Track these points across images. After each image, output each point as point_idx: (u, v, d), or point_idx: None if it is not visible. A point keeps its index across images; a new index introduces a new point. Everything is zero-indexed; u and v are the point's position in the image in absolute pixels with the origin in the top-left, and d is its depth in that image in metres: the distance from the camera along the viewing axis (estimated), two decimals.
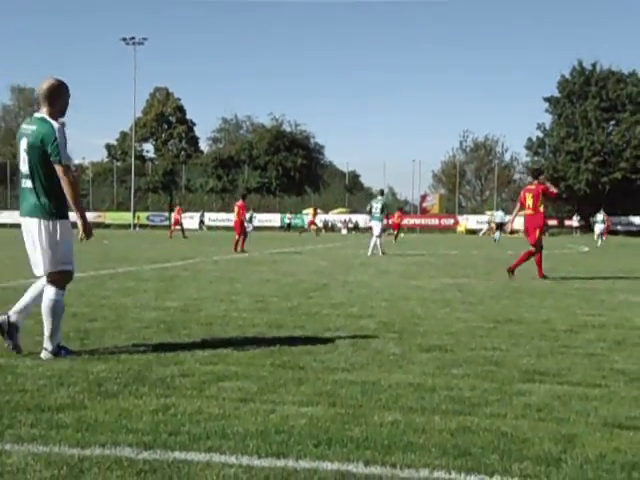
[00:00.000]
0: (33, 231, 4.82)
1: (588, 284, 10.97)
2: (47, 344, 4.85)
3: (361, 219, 60.85)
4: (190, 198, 67.02)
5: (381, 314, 7.27)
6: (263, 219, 59.10)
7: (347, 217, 59.16)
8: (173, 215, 26.08)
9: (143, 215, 63.05)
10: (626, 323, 6.77)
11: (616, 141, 54.72)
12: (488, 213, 36.27)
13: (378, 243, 19.29)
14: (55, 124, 4.83)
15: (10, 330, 4.86)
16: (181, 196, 66.10)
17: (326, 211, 62.73)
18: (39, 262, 4.85)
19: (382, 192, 21.53)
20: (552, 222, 56.06)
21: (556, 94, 60.21)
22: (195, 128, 79.95)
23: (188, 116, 79.11)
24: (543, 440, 3.19)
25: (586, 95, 57.42)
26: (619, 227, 52.23)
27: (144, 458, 2.91)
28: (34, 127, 4.84)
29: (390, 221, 29.74)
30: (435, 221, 60.70)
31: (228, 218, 62.25)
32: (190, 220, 60.08)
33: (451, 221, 59.92)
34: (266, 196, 67.29)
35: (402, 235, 35.38)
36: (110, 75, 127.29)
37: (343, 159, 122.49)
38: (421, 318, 7.01)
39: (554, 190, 12.64)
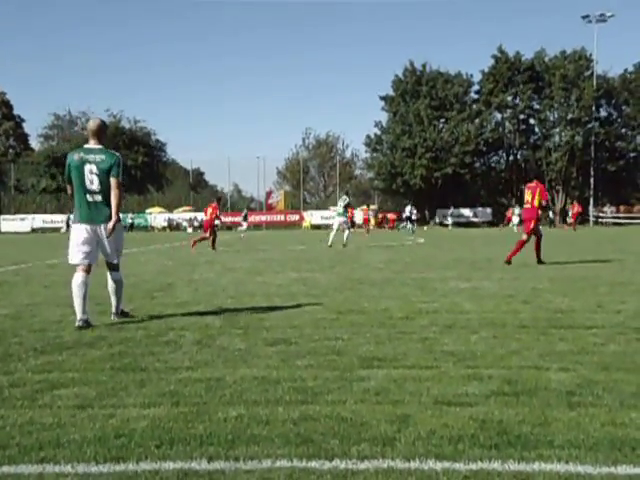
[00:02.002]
0: (104, 232, 6.49)
1: (423, 273, 11.61)
2: (118, 309, 6.92)
3: None
4: (21, 199, 62.81)
5: (227, 310, 7.25)
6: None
7: (192, 215, 58.27)
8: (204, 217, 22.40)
9: None
10: (456, 308, 7.25)
11: (446, 138, 58.22)
12: (408, 209, 38.09)
13: (345, 235, 21.71)
14: (117, 153, 6.59)
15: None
16: (10, 197, 61.76)
17: (170, 210, 61.44)
18: (106, 254, 6.68)
19: (347, 192, 24.57)
20: (392, 216, 58.88)
21: (391, 93, 63.01)
22: (24, 124, 75.04)
23: (16, 112, 74.07)
24: (380, 422, 3.35)
25: (418, 94, 60.56)
26: (450, 219, 55.73)
27: None
28: (102, 157, 6.40)
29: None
30: (281, 217, 61.39)
31: (64, 219, 59.30)
32: (21, 223, 56.47)
33: (296, 217, 60.90)
34: None
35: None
36: None
37: (186, 156, 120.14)
38: (266, 313, 7.08)
39: (546, 194, 14.00)
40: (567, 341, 5.31)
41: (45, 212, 58.98)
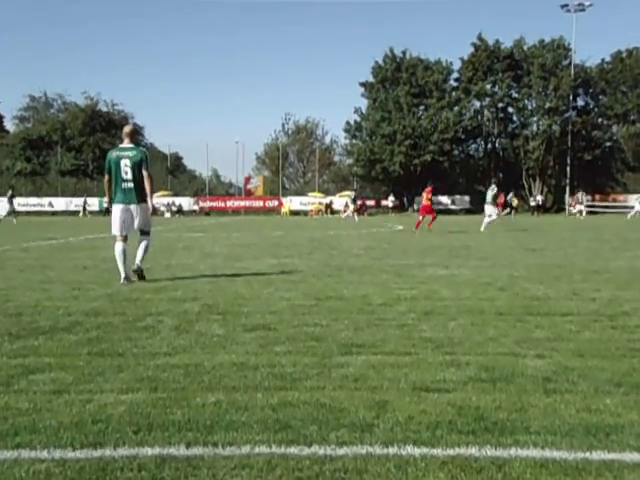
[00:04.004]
0: (139, 210, 8.55)
1: (401, 260, 11.66)
2: (140, 264, 8.61)
3: (185, 202, 59.93)
4: None
5: (205, 296, 7.22)
6: (79, 203, 56.13)
7: (170, 200, 57.87)
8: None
9: None
10: (434, 295, 7.29)
11: (425, 125, 58.34)
12: (390, 198, 38.49)
13: (488, 220, 23.36)
14: (144, 149, 8.84)
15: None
16: None
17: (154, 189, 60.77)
18: (139, 225, 8.64)
19: (495, 182, 25.07)
20: (370, 202, 58.98)
21: (371, 79, 62.89)
22: None
23: None
24: (358, 408, 3.37)
25: (398, 81, 60.52)
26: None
27: None
28: (133, 153, 8.46)
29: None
30: (260, 203, 61.21)
31: (40, 203, 58.54)
32: None
33: (275, 203, 60.76)
34: (83, 179, 63.87)
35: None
36: None
37: (164, 141, 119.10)
38: (245, 299, 7.06)
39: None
40: (543, 328, 5.37)
41: (21, 195, 58.13)
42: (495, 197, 23.96)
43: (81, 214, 51.18)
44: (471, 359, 4.33)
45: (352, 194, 24.09)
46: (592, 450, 2.81)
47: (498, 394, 3.57)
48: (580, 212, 45.17)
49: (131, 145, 8.58)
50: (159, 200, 58.96)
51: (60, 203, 59.10)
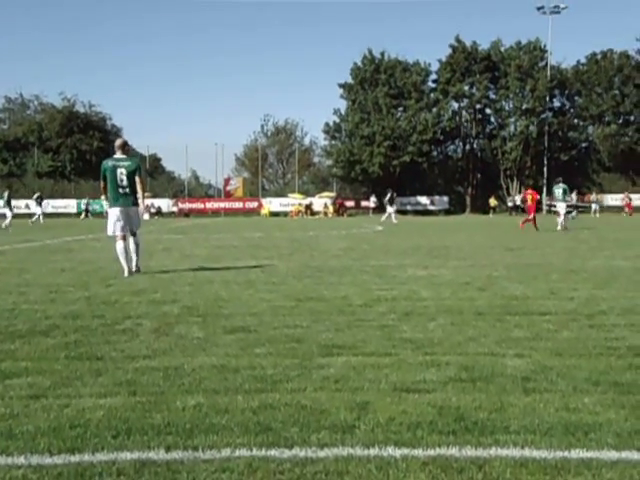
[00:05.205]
0: (130, 213, 9.65)
1: (381, 261, 11.69)
2: (138, 265, 9.84)
3: (164, 203, 59.58)
4: None
5: (185, 298, 7.18)
6: (57, 205, 55.54)
7: (149, 202, 57.44)
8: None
9: None
10: (414, 295, 7.31)
11: (404, 126, 58.55)
12: (372, 199, 38.11)
13: (562, 219, 24.29)
14: (137, 159, 10.52)
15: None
16: None
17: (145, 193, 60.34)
18: (130, 227, 9.67)
19: (562, 181, 25.21)
20: (350, 203, 59.06)
21: (350, 81, 62.99)
22: None
23: None
24: (339, 409, 3.36)
25: (377, 82, 60.69)
26: (408, 207, 56.27)
27: None
28: (128, 162, 9.68)
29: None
30: (239, 204, 61.00)
31: (16, 205, 57.72)
32: None
33: (255, 204, 60.62)
34: (60, 181, 63.21)
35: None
36: None
37: (143, 142, 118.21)
38: (225, 300, 7.04)
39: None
40: (522, 328, 5.41)
41: None
42: (565, 193, 24.75)
43: (82, 216, 50.37)
44: (451, 359, 4.35)
45: (559, 188, 25.00)
46: (571, 449, 2.83)
47: (478, 394, 3.59)
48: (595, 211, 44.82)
49: (125, 156, 9.82)
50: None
51: (32, 205, 58.31)
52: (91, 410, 3.37)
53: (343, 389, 3.72)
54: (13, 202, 34.19)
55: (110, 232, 9.69)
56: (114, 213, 9.61)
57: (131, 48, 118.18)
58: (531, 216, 24.77)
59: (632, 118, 59.36)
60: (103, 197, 9.93)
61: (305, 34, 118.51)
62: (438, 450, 2.84)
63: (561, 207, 24.67)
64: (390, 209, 35.98)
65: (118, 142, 10.10)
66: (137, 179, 9.63)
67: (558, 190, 24.77)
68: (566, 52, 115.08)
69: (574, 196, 42.00)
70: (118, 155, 9.75)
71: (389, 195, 36.53)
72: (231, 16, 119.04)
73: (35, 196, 36.89)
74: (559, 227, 23.95)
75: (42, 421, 3.21)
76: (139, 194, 9.72)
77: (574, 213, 39.28)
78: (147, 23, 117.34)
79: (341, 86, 63.27)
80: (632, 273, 9.32)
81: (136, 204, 9.75)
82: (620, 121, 59.35)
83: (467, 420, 3.18)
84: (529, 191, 25.35)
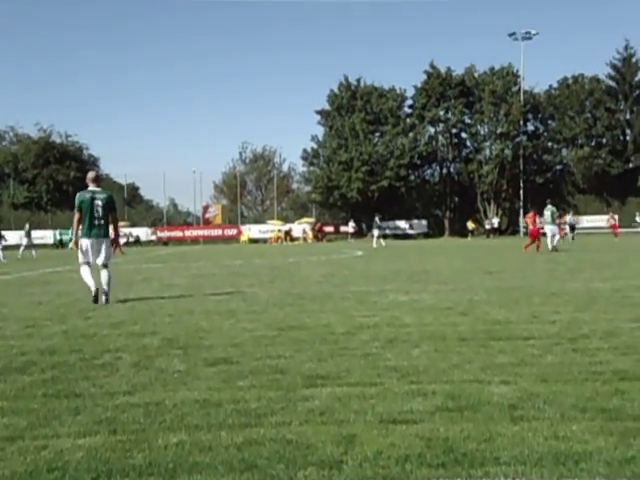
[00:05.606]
0: (102, 244, 10.02)
1: (362, 287, 11.65)
2: (108, 297, 9.84)
3: (142, 232, 59.20)
4: None
5: (165, 330, 7.07)
6: (34, 236, 54.83)
7: (128, 231, 57.06)
8: None
9: None
10: (396, 322, 7.27)
11: (381, 152, 59.06)
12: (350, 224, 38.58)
13: (556, 239, 25.09)
14: (110, 192, 10.68)
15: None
16: None
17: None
18: (101, 259, 10.01)
19: (551, 203, 26.15)
20: (329, 229, 59.17)
21: (327, 107, 63.50)
22: None
23: None
24: (326, 443, 3.29)
25: (353, 108, 61.29)
26: (387, 231, 56.47)
27: None
28: (104, 195, 10.04)
29: None
30: (218, 232, 60.87)
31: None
32: None
33: (234, 231, 60.48)
34: (36, 212, 62.62)
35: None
36: None
37: (120, 171, 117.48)
38: (206, 331, 6.93)
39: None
40: (506, 353, 5.38)
41: None
42: (553, 215, 25.22)
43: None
44: (437, 388, 4.30)
45: (548, 211, 25.51)
46: (562, 479, 2.79)
47: (466, 424, 3.54)
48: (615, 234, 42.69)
49: (100, 189, 10.17)
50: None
51: (13, 236, 57.67)
52: (70, 451, 3.27)
53: (329, 422, 3.65)
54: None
55: (83, 259, 10.05)
56: (85, 243, 9.96)
57: (107, 77, 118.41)
58: (532, 239, 25.22)
59: (604, 141, 60.43)
60: (75, 228, 9.91)
61: (282, 61, 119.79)
62: None
63: (550, 229, 25.04)
64: (376, 233, 36.74)
65: (91, 175, 10.26)
66: (113, 214, 10.21)
67: (547, 212, 25.21)
68: (538, 77, 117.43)
69: (571, 217, 42.30)
70: (92, 187, 10.06)
71: (376, 220, 37.45)
72: (208, 43, 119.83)
73: (26, 228, 36.37)
74: (550, 247, 24.37)
75: (18, 465, 3.09)
76: (111, 227, 10.27)
77: (572, 234, 39.60)
78: (124, 52, 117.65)
79: (318, 113, 63.79)
80: (610, 295, 9.37)
81: (107, 236, 10.16)
82: (593, 144, 60.37)
83: (456, 452, 3.12)
84: (530, 215, 25.90)
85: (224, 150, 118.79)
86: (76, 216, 9.89)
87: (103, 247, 10.04)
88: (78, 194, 10.04)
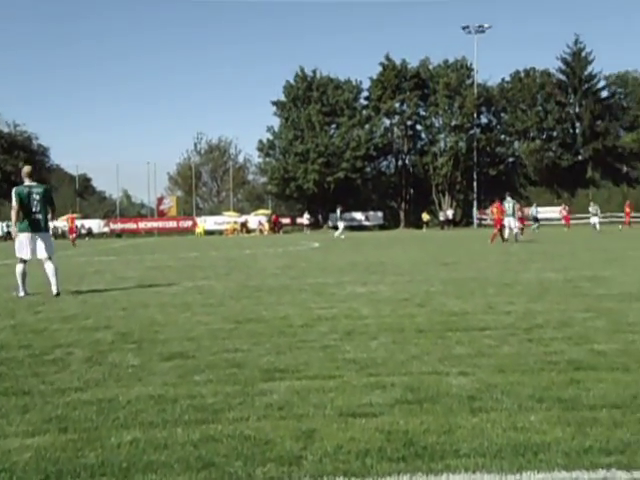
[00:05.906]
0: (44, 238, 10.03)
1: (320, 278, 11.62)
2: (58, 289, 9.87)
3: (95, 224, 58.10)
4: None
5: (118, 324, 6.91)
6: None
7: (79, 223, 55.88)
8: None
9: None
10: (354, 314, 7.25)
11: (337, 143, 59.15)
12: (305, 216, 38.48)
13: (515, 233, 25.54)
14: (48, 186, 10.89)
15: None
16: None
17: (56, 217, 58.66)
18: (44, 251, 9.97)
19: (510, 196, 26.26)
20: (285, 220, 59.02)
21: (283, 98, 63.23)
22: None
23: None
24: (284, 439, 3.23)
25: (309, 100, 61.20)
26: (343, 222, 56.58)
27: None
28: (41, 189, 10.00)
29: None
30: (173, 224, 60.16)
31: None
32: None
33: (189, 223, 59.84)
34: None
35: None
36: None
37: (72, 162, 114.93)
38: (161, 325, 6.80)
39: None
40: (463, 344, 5.41)
41: None
42: (514, 207, 25.42)
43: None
44: (396, 380, 4.28)
45: (508, 203, 25.45)
46: (522, 471, 2.78)
47: (425, 416, 3.52)
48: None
49: (36, 183, 10.14)
50: (66, 223, 56.89)
51: None
52: (18, 452, 3.14)
53: (288, 416, 3.59)
54: None
55: (21, 255, 9.95)
56: (25, 237, 9.92)
57: (60, 70, 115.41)
58: (497, 229, 25.59)
59: (555, 134, 61.70)
60: (14, 222, 9.91)
61: (237, 52, 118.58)
62: (389, 479, 2.75)
63: (509, 221, 25.43)
64: (341, 225, 37.15)
65: (27, 169, 10.20)
66: (50, 208, 10.07)
67: (508, 205, 25.50)
68: (491, 70, 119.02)
69: (536, 209, 43.01)
70: (28, 182, 10.03)
71: (338, 211, 37.98)
72: (162, 36, 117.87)
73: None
74: (506, 237, 24.93)
75: None
76: (50, 219, 10.14)
77: (536, 225, 40.16)
78: (76, 44, 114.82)
79: (274, 104, 63.49)
80: (562, 285, 9.54)
81: (47, 229, 10.10)
82: (544, 136, 61.58)
83: (416, 445, 3.10)
84: (495, 204, 26.11)
85: (179, 141, 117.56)
86: (15, 208, 9.78)
87: (44, 240, 9.98)
88: (14, 189, 9.96)
